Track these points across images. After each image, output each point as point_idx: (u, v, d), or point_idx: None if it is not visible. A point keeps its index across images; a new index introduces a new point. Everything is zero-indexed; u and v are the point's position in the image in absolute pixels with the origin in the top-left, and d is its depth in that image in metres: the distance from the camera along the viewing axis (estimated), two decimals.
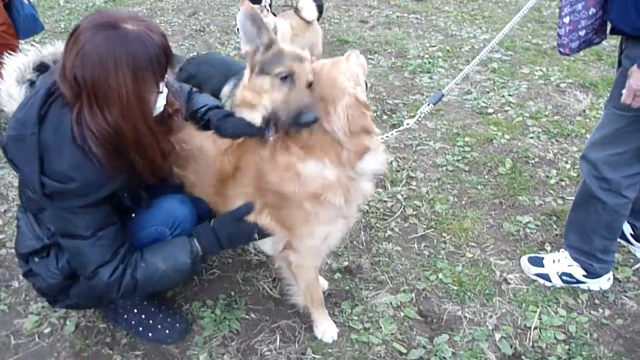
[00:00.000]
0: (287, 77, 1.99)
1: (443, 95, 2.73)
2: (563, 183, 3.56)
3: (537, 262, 2.81)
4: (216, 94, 2.54)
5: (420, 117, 2.62)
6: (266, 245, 2.44)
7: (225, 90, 2.50)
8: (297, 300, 2.49)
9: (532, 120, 4.25)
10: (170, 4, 7.43)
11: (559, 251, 2.84)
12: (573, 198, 3.35)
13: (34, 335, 2.49)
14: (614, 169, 2.44)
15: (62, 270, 2.14)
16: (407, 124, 2.62)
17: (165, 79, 1.96)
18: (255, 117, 2.09)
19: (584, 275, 2.71)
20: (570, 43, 2.42)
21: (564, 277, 2.73)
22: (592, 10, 2.32)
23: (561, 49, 2.45)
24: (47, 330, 2.51)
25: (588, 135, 3.99)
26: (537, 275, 2.78)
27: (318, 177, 2.05)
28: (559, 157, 3.80)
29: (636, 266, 2.88)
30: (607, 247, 2.67)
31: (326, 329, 2.48)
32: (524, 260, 2.86)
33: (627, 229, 2.97)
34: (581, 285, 2.74)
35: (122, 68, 1.75)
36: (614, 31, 2.36)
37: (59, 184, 1.82)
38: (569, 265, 2.73)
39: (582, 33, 2.37)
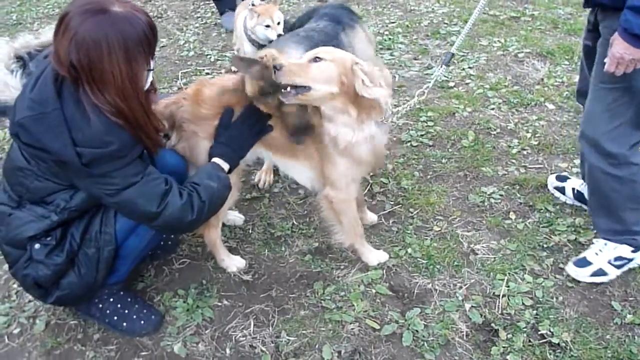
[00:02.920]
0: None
1: (453, 55, 2.80)
2: (525, 152, 3.63)
3: (583, 263, 2.68)
4: None
5: (436, 81, 2.74)
6: (305, 180, 2.69)
7: None
8: (341, 239, 2.71)
9: (493, 92, 4.30)
10: None
11: (593, 243, 2.75)
12: (536, 166, 3.47)
13: (4, 337, 2.45)
14: (616, 142, 2.40)
15: (67, 252, 2.15)
16: (423, 93, 2.72)
17: (155, 57, 2.06)
18: None
19: (632, 252, 2.64)
20: None
21: (616, 263, 2.64)
22: None
23: None
24: (16, 331, 2.48)
25: (547, 104, 4.09)
26: (592, 275, 2.64)
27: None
28: (520, 127, 3.86)
29: None
30: (639, 218, 2.64)
31: (376, 256, 2.79)
32: (571, 268, 2.69)
33: (574, 183, 3.07)
34: (631, 263, 2.67)
35: (114, 50, 1.85)
36: (588, 4, 2.38)
37: (98, 149, 1.91)
38: (614, 249, 2.64)
39: None
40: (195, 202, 2.14)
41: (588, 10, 2.53)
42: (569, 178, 3.17)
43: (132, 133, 1.99)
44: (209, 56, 5.22)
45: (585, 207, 3.04)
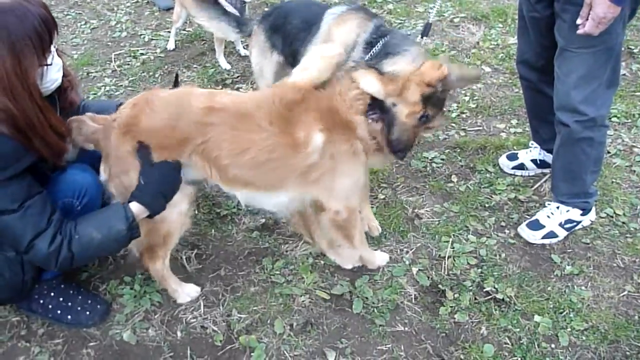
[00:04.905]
0: None
1: (430, 25, 2.78)
2: (464, 115, 3.69)
3: (536, 226, 2.75)
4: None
5: None
6: (284, 203, 2.37)
7: None
8: (349, 257, 2.58)
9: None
10: None
11: (545, 206, 2.81)
12: (475, 129, 3.53)
13: None
14: (594, 105, 2.43)
15: None
16: None
17: (53, 50, 1.90)
18: None
19: (581, 215, 2.72)
20: None
21: (567, 225, 2.72)
22: None
23: None
24: None
25: (484, 67, 4.15)
26: (544, 237, 2.72)
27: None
28: (458, 91, 3.91)
29: (535, 186, 3.06)
30: (595, 179, 2.72)
31: (380, 257, 2.62)
32: (524, 230, 2.75)
33: (533, 155, 3.12)
34: (579, 225, 2.76)
35: None
36: None
37: None
38: (566, 212, 2.71)
39: None
40: (62, 254, 1.96)
41: None
42: (517, 153, 3.21)
43: (22, 141, 1.83)
44: (142, 36, 5.06)
45: (546, 171, 3.09)
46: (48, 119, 1.91)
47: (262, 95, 2.32)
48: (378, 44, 2.54)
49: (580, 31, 2.22)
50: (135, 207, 2.09)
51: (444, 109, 2.34)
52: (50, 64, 1.90)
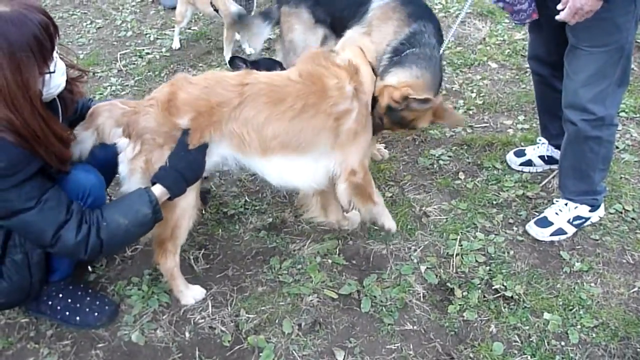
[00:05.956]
0: None
1: None
2: (471, 112, 3.67)
3: (545, 223, 2.73)
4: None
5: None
6: (310, 169, 2.45)
7: None
8: (375, 213, 2.65)
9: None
10: None
11: (553, 203, 2.79)
12: (482, 125, 3.52)
13: None
14: (604, 104, 2.41)
15: None
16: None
17: (55, 57, 1.88)
18: None
19: (589, 211, 2.71)
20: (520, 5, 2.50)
21: (575, 222, 2.71)
22: None
23: (517, 18, 2.53)
24: None
25: (490, 63, 4.13)
26: (552, 234, 2.70)
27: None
28: (465, 87, 3.90)
29: (543, 182, 3.04)
30: (603, 177, 2.71)
31: (391, 219, 2.74)
32: (532, 227, 2.74)
33: (540, 151, 3.10)
34: (587, 222, 2.75)
35: None
36: None
37: None
38: (575, 209, 2.70)
39: None
40: (91, 240, 1.98)
41: None
42: (525, 149, 3.19)
43: (28, 148, 1.83)
44: (148, 35, 5.06)
45: (554, 167, 3.07)
46: (51, 128, 1.90)
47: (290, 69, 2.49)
48: (404, 53, 2.58)
49: (558, 17, 2.20)
50: (157, 189, 2.13)
51: (404, 124, 2.57)
52: (54, 72, 1.88)
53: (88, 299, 2.39)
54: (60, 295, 2.35)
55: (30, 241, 2.03)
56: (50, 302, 2.34)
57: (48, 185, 1.95)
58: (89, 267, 2.62)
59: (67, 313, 2.35)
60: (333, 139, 2.36)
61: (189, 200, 2.28)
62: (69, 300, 2.35)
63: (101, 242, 2.00)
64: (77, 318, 2.35)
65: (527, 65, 3.31)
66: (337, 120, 2.32)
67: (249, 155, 2.30)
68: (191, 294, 2.47)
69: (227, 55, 4.42)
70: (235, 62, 2.98)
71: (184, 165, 2.17)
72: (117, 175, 2.34)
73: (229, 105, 2.19)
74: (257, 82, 2.26)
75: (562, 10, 2.19)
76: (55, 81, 1.94)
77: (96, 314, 2.36)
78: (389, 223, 2.69)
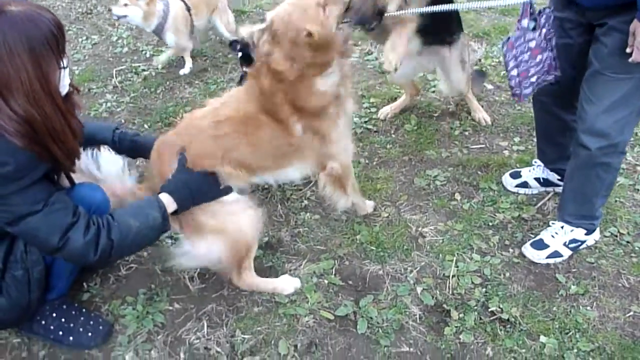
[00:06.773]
0: None
1: None
2: (466, 133, 3.69)
3: (540, 245, 2.73)
4: None
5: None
6: (298, 173, 2.64)
7: None
8: (343, 204, 2.81)
9: (433, 75, 4.34)
10: None
11: (549, 225, 2.80)
12: (477, 146, 3.54)
13: None
14: (622, 131, 2.40)
15: None
16: None
17: (67, 53, 1.93)
18: None
19: (585, 234, 2.71)
20: (524, 91, 2.50)
21: (571, 245, 2.71)
22: (540, 57, 2.38)
23: (517, 98, 2.53)
24: None
25: (486, 84, 4.17)
26: (548, 257, 2.71)
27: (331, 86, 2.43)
28: (460, 108, 3.93)
29: (539, 204, 3.06)
30: (604, 203, 2.71)
31: (369, 204, 3.03)
32: (528, 250, 2.75)
33: (536, 173, 3.10)
34: (583, 245, 2.75)
35: (18, 53, 1.72)
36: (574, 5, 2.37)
37: None
38: (570, 232, 2.70)
39: (533, 79, 2.45)
40: (101, 241, 1.98)
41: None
42: (520, 171, 3.20)
43: (37, 150, 1.83)
44: (143, 52, 5.08)
45: (550, 189, 3.10)
46: (69, 121, 1.93)
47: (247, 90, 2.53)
48: None
49: (631, 59, 2.17)
50: (164, 198, 2.19)
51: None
52: (66, 67, 1.92)
53: (82, 318, 2.36)
54: (54, 315, 2.32)
55: (37, 247, 2.02)
56: (43, 322, 2.31)
57: (53, 189, 1.97)
58: (84, 284, 2.60)
59: (61, 333, 2.32)
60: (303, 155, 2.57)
61: (248, 214, 2.41)
62: (63, 320, 2.33)
63: (112, 243, 2.01)
64: (71, 338, 2.32)
65: None
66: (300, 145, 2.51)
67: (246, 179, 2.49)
68: (290, 283, 2.60)
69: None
70: (234, 45, 3.15)
71: (185, 179, 2.24)
72: None
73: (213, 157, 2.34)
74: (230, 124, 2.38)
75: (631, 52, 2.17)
76: (65, 80, 1.97)
77: (90, 334, 2.34)
78: (362, 209, 2.99)
